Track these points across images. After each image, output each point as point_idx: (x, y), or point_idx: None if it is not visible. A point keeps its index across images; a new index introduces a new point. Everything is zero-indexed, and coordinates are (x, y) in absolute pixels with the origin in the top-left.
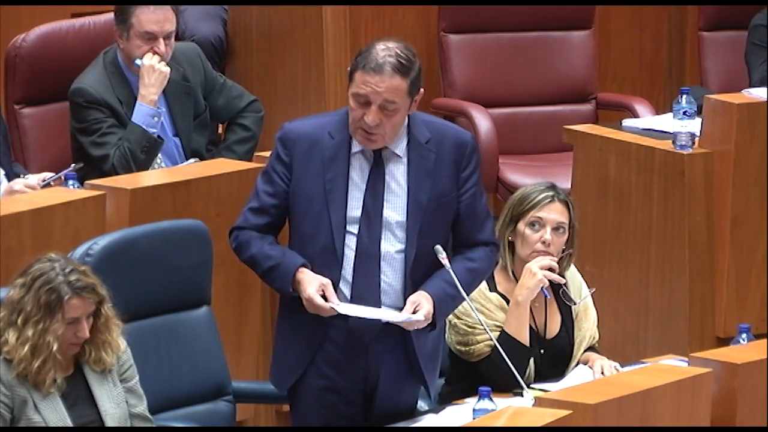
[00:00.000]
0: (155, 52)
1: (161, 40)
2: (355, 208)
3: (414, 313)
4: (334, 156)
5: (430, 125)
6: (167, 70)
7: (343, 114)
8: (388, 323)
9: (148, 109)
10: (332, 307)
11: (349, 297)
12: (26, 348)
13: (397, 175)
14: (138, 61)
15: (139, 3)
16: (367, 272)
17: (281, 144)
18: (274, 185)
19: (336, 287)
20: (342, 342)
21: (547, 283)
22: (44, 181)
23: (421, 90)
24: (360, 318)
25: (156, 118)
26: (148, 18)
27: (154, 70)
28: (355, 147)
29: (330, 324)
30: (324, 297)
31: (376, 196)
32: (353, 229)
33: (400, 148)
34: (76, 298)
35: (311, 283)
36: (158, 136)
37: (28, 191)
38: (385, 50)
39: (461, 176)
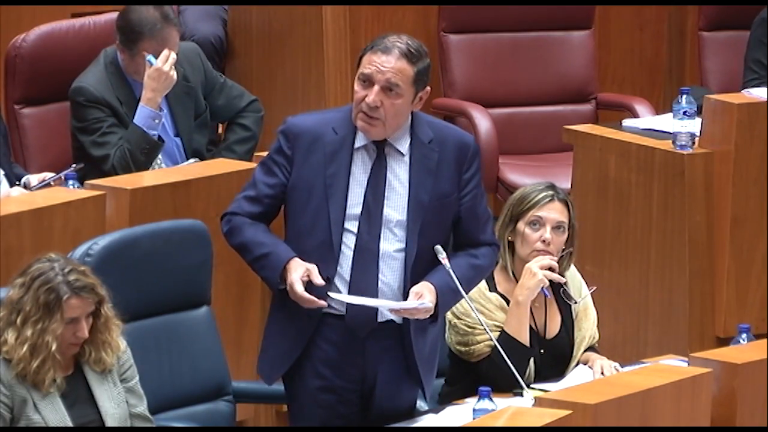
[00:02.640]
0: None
1: None
2: (355, 204)
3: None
4: (336, 151)
5: (433, 126)
6: (175, 76)
7: (347, 111)
8: (384, 324)
9: (150, 112)
10: (312, 299)
11: (346, 294)
12: (25, 348)
13: (399, 173)
14: (151, 59)
15: (139, 3)
16: (366, 270)
17: (284, 137)
18: (273, 177)
19: (331, 283)
20: (338, 341)
21: (547, 282)
22: (44, 181)
23: (428, 88)
24: (355, 312)
25: (157, 121)
26: (156, 52)
27: (162, 74)
28: (359, 142)
29: (325, 322)
30: (310, 283)
31: (377, 193)
32: (353, 225)
33: (403, 145)
34: (75, 298)
35: (296, 270)
36: (159, 138)
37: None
38: (397, 38)
39: (463, 178)
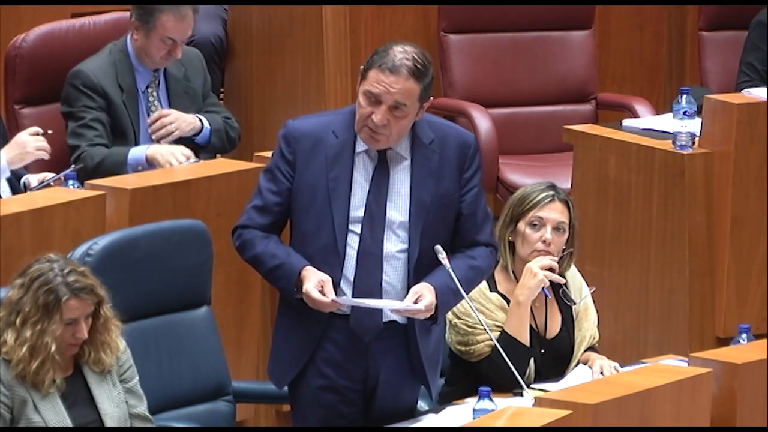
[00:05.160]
0: (170, 54)
1: (180, 45)
2: (357, 207)
3: (416, 303)
4: (338, 155)
5: (434, 126)
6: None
7: (347, 113)
8: (388, 324)
9: (143, 160)
10: (333, 300)
11: (350, 296)
12: (24, 349)
13: (401, 176)
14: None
15: (140, 3)
16: (369, 272)
17: (284, 142)
18: (278, 183)
19: (337, 286)
20: (342, 342)
21: (548, 283)
22: (44, 181)
23: (431, 98)
24: (360, 317)
25: (140, 168)
26: (174, 26)
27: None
28: (360, 147)
29: (330, 323)
30: (322, 293)
31: (380, 197)
32: (356, 228)
33: (404, 148)
34: (74, 299)
35: (310, 279)
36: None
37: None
38: (403, 53)
39: (463, 177)
